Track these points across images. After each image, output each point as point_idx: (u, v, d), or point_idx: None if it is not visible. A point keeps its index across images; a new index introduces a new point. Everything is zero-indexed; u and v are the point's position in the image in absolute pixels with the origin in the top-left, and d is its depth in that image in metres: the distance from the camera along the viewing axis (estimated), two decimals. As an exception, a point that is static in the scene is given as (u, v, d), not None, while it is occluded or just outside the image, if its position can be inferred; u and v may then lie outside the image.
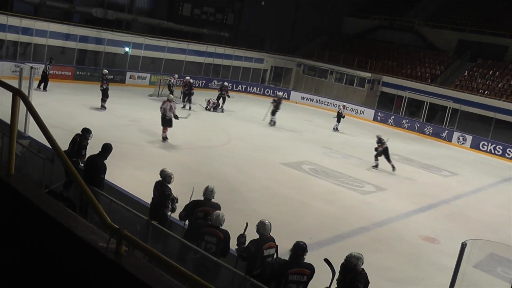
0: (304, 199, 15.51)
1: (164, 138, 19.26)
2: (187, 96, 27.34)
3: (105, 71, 24.92)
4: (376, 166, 21.46)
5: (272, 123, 26.94)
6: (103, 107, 23.74)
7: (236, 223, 8.03)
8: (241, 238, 7.83)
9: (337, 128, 28.94)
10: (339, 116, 29.08)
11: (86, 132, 11.10)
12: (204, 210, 8.72)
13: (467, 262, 7.62)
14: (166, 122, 19.34)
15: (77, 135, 11.14)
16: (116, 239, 3.01)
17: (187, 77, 28.64)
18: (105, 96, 23.78)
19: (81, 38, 30.81)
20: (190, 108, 26.68)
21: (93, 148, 10.69)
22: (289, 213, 13.88)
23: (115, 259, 2.98)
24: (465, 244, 7.39)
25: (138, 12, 35.85)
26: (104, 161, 9.88)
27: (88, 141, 11.10)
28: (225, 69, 39.31)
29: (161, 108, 19.40)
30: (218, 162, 17.89)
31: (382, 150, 21.39)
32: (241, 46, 40.69)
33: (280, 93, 30.42)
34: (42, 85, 25.42)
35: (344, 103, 31.87)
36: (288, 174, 18.05)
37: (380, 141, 21.49)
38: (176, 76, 29.50)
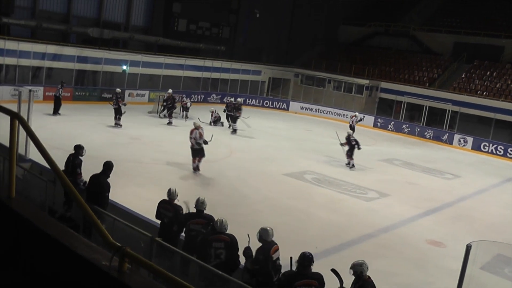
0: (308, 209, 15.46)
1: (196, 169, 17.68)
2: (169, 110, 27.20)
3: (118, 90, 25.60)
4: (353, 165, 21.79)
5: (233, 131, 26.80)
6: (118, 125, 24.22)
7: (242, 236, 8.05)
8: (248, 250, 7.85)
9: None
10: (351, 127, 28.83)
11: (78, 149, 11.00)
12: (198, 222, 8.74)
13: (473, 264, 7.59)
14: (198, 152, 17.67)
15: (70, 154, 11.07)
16: (119, 257, 3.04)
17: (170, 91, 28.48)
18: (118, 113, 24.28)
19: (78, 59, 30.89)
20: (170, 123, 26.63)
21: (92, 167, 10.64)
22: (293, 223, 13.82)
23: (118, 276, 3.01)
24: (470, 246, 7.40)
25: (134, 30, 35.98)
26: (108, 180, 9.85)
27: (81, 157, 11.02)
28: (223, 83, 39.39)
29: (190, 138, 17.65)
30: (221, 176, 17.88)
31: (350, 147, 21.82)
32: (238, 59, 40.80)
33: (239, 99, 29.57)
34: (54, 109, 25.61)
35: (356, 113, 31.10)
36: (290, 185, 18.01)
37: (349, 138, 21.89)
38: (171, 91, 29.47)
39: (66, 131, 21.65)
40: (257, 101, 39.65)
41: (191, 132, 17.73)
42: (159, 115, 28.65)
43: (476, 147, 32.08)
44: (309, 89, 41.99)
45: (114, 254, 3.06)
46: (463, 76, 38.50)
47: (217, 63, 38.45)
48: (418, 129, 34.93)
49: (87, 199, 9.09)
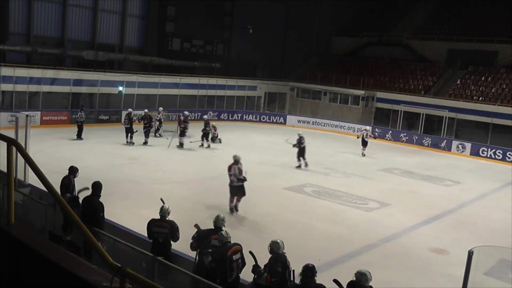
0: (309, 222, 15.42)
1: (233, 209, 15.60)
2: (145, 129, 26.64)
3: (130, 109, 26.30)
4: (299, 166, 22.90)
5: (180, 145, 26.13)
6: (131, 143, 25.42)
7: (245, 253, 8.10)
8: (257, 268, 7.83)
9: (363, 153, 28.18)
10: (364, 141, 28.37)
11: (70, 171, 11.13)
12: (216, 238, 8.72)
13: (476, 270, 7.59)
14: (238, 190, 15.57)
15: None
16: (119, 278, 3.04)
17: (146, 110, 28.04)
18: (130, 132, 25.47)
19: (74, 82, 30.93)
20: (146, 142, 26.33)
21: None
22: (295, 237, 13.69)
23: (120, 297, 2.99)
24: (472, 252, 7.40)
25: (128, 51, 36.11)
26: (99, 200, 9.80)
27: (74, 179, 11.07)
28: (219, 100, 39.41)
29: (230, 175, 15.48)
30: (220, 193, 17.39)
31: (299, 149, 22.88)
32: (233, 75, 40.86)
33: (186, 112, 28.34)
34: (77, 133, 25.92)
35: (367, 127, 30.60)
36: (291, 198, 17.98)
37: (300, 140, 22.81)
38: (161, 109, 29.48)
39: (64, 154, 21.59)
40: (254, 116, 39.65)
41: (229, 168, 15.52)
42: (155, 134, 28.57)
43: (474, 153, 32.07)
44: (305, 102, 42.01)
45: (114, 275, 3.04)
46: (458, 82, 38.60)
47: (212, 80, 38.46)
48: (416, 137, 34.91)
49: (83, 222, 9.01)
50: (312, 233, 14.50)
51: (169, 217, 9.49)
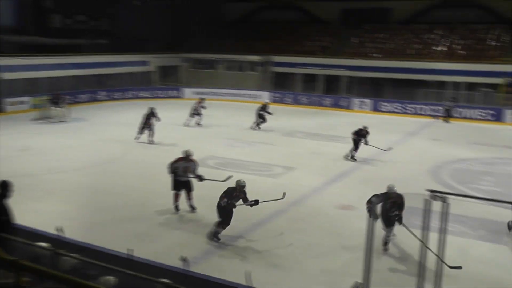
0: (215, 196, 14.27)
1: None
2: None
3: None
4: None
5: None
6: None
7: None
8: None
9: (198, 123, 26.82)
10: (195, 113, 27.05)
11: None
12: None
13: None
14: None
15: None
16: (14, 272, 2.91)
17: None
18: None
19: None
20: None
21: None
22: (200, 214, 13.44)
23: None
24: (372, 201, 8.12)
25: (3, 31, 32.91)
26: (5, 201, 8.62)
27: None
28: (111, 78, 37.15)
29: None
30: (121, 176, 16.88)
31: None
32: (122, 51, 38.65)
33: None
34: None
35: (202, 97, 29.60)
36: (192, 173, 17.00)
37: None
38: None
39: None
40: (148, 92, 37.78)
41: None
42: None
43: (375, 108, 32.78)
44: (201, 73, 40.59)
45: (8, 270, 2.91)
46: (354, 41, 38.82)
47: (99, 58, 36.10)
48: (317, 99, 34.95)
49: None
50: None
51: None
